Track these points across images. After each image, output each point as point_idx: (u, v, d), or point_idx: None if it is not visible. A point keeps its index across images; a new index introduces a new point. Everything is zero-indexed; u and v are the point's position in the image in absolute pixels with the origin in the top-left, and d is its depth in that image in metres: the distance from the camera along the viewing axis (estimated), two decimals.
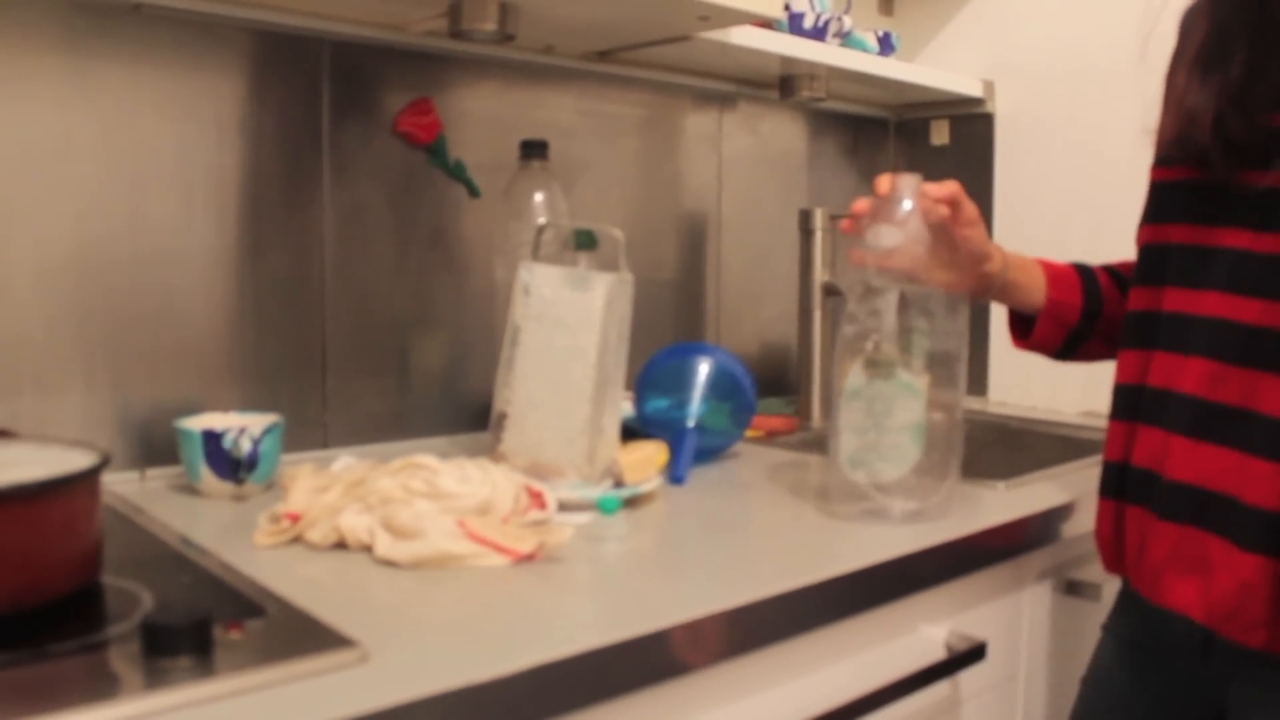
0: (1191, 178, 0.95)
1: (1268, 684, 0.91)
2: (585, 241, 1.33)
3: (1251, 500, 0.87)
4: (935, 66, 1.95)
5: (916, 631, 1.04)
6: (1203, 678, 0.96)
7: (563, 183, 1.55)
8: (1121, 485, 1.00)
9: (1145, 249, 1.01)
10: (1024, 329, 1.20)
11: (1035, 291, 1.16)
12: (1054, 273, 1.17)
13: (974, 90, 1.95)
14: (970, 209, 1.08)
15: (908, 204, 1.07)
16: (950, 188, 1.07)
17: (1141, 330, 0.99)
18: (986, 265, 1.11)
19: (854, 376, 1.07)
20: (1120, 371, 1.01)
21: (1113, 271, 1.18)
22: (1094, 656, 1.09)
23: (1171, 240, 0.97)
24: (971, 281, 1.12)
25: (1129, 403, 0.99)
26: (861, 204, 1.07)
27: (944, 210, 1.06)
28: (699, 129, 1.77)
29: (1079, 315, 1.15)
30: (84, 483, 0.78)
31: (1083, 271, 1.18)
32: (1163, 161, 0.99)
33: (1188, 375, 0.92)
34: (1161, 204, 0.99)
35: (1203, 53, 0.94)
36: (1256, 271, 0.88)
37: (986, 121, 1.98)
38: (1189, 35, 0.98)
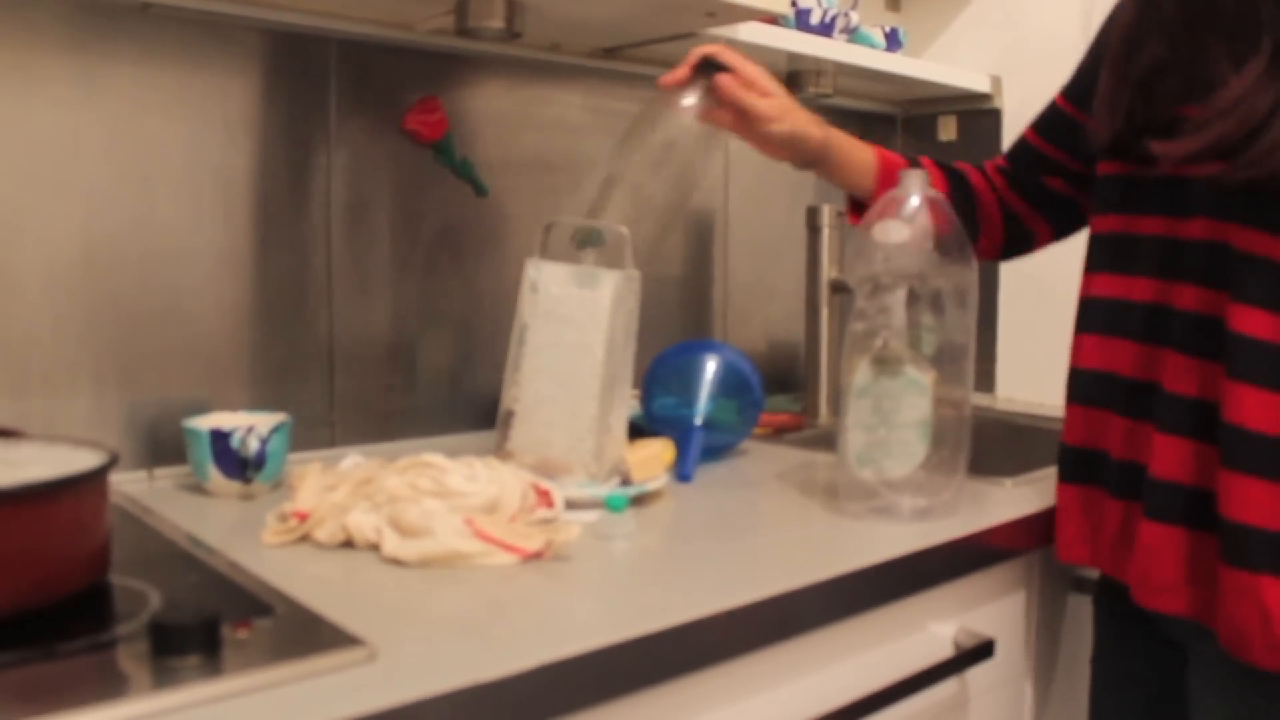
0: (1121, 171, 1.01)
1: (1204, 656, 0.95)
2: (591, 239, 1.33)
3: (1156, 473, 0.94)
4: (942, 62, 1.94)
5: (924, 629, 1.04)
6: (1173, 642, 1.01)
7: (569, 180, 1.55)
8: (1074, 469, 1.07)
9: (1105, 238, 1.05)
10: (857, 210, 1.27)
11: (858, 177, 1.22)
12: (886, 166, 1.22)
13: (981, 86, 1.95)
14: (765, 108, 1.15)
15: (915, 200, 1.07)
16: (734, 83, 1.16)
17: (1112, 318, 1.02)
18: (799, 148, 1.19)
19: (861, 374, 1.07)
20: (1071, 356, 1.07)
21: (952, 172, 1.26)
22: (1094, 632, 1.11)
23: (1142, 231, 1.01)
24: (785, 152, 1.19)
25: (1073, 387, 1.07)
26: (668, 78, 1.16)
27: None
28: (706, 126, 1.76)
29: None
30: (92, 482, 0.78)
31: (911, 164, 1.23)
32: (1098, 155, 1.05)
33: (1164, 369, 0.96)
34: (1124, 196, 1.02)
35: (1120, 49, 1.00)
36: (1176, 256, 0.95)
37: (994, 117, 1.98)
38: (1117, 15, 1.05)
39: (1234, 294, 0.89)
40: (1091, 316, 1.04)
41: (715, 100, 1.16)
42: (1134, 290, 0.99)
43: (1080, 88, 1.14)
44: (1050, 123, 1.21)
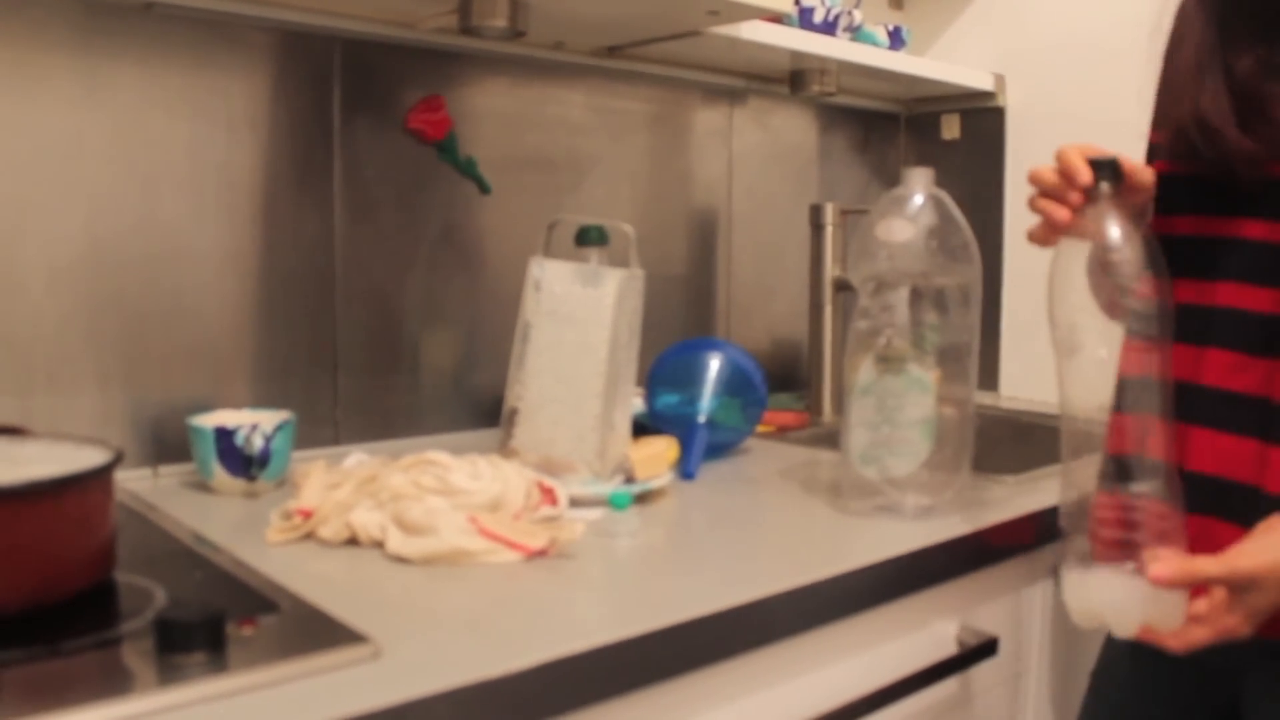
0: (1199, 172, 0.94)
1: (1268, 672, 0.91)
2: (595, 237, 1.33)
3: (1273, 489, 0.87)
4: (946, 60, 1.94)
5: (928, 626, 1.04)
6: (1215, 669, 0.95)
7: (572, 179, 1.55)
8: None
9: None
10: None
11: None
12: None
13: (985, 84, 1.95)
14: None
15: (919, 198, 1.07)
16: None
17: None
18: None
19: (865, 372, 1.07)
20: (1126, 364, 1.01)
21: None
22: (1103, 650, 1.09)
23: (1177, 232, 0.96)
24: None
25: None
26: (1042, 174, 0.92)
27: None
28: (709, 124, 1.77)
29: None
30: (97, 480, 0.78)
31: None
32: (1170, 157, 0.98)
33: (1207, 366, 0.92)
34: (1167, 197, 0.97)
35: (1203, 50, 0.93)
36: (1272, 261, 0.89)
37: (997, 115, 1.98)
38: (1187, 32, 0.96)
39: None
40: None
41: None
42: (1218, 296, 0.93)
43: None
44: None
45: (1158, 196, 0.99)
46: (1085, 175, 0.87)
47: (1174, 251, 0.96)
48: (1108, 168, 0.87)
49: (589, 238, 1.33)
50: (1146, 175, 0.97)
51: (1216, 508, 0.90)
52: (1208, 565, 0.81)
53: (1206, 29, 0.93)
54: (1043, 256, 1.35)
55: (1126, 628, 0.83)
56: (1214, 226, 0.94)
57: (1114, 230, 0.86)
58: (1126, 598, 0.82)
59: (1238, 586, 0.81)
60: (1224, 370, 0.91)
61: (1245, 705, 0.94)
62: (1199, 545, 0.90)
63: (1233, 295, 0.91)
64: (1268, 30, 0.90)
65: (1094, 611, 0.85)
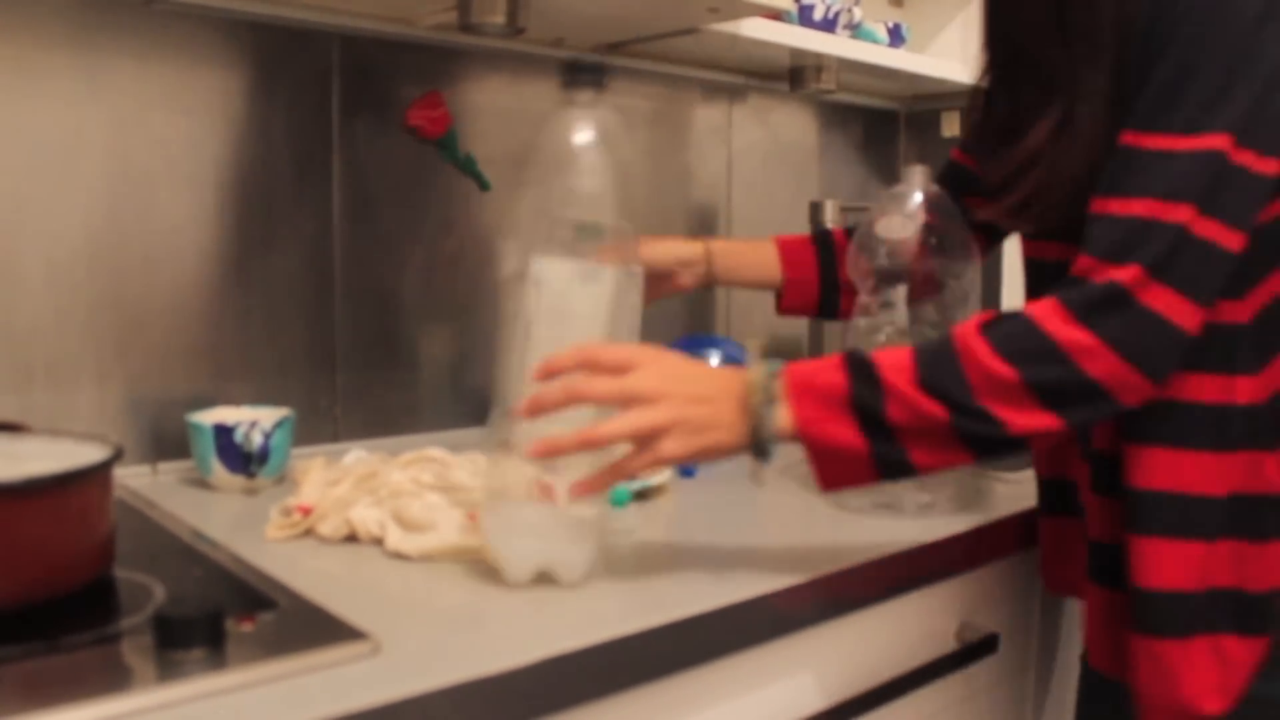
0: None
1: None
2: (590, 233, 1.33)
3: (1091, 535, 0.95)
4: (945, 58, 1.94)
5: (928, 624, 1.04)
6: None
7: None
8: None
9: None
10: (782, 301, 1.28)
11: (763, 271, 1.23)
12: (788, 252, 1.24)
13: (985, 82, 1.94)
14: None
15: (919, 196, 1.07)
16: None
17: None
18: (679, 280, 1.20)
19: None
20: None
21: (849, 231, 1.24)
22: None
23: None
24: (665, 289, 1.20)
25: None
26: None
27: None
28: (709, 121, 1.77)
29: (818, 289, 1.25)
30: (96, 476, 0.78)
31: (819, 243, 1.25)
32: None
33: None
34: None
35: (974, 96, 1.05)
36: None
37: None
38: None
39: None
40: None
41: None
42: None
43: None
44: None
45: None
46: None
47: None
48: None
49: (583, 233, 1.31)
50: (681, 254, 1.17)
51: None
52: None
53: (984, 71, 1.03)
54: None
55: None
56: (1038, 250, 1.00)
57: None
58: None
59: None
60: None
61: None
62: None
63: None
64: (1004, 72, 0.99)
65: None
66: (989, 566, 1.08)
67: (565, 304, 1.17)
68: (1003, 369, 0.79)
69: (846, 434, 0.81)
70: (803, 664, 0.91)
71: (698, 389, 0.82)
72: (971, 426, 0.79)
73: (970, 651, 1.04)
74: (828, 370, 0.82)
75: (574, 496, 0.81)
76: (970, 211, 1.09)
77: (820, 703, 0.91)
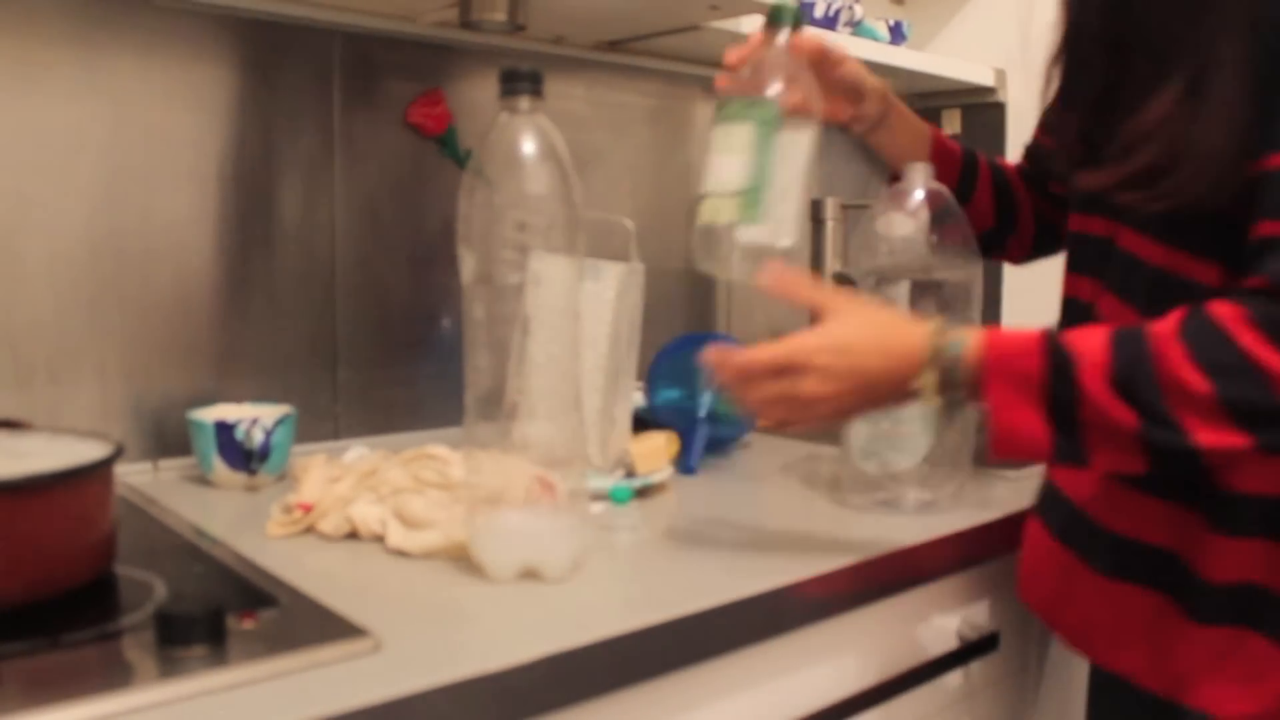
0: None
1: None
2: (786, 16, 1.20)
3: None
4: (946, 55, 1.94)
5: (928, 621, 1.04)
6: None
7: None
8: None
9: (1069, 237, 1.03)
10: None
11: (912, 149, 1.17)
12: (940, 145, 1.18)
13: (985, 79, 1.94)
14: (837, 51, 1.08)
15: (920, 193, 1.07)
16: (812, 42, 1.04)
17: (1074, 318, 1.00)
18: (862, 104, 1.14)
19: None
20: None
21: (994, 166, 1.21)
22: None
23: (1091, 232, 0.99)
24: (848, 112, 1.15)
25: None
26: (732, 54, 1.00)
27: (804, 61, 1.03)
28: (710, 118, 1.76)
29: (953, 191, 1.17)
30: (97, 473, 0.78)
31: (966, 157, 1.19)
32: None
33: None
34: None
35: (1056, 68, 0.99)
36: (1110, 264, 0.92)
37: (998, 110, 1.97)
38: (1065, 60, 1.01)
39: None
40: (1062, 317, 1.02)
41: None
42: (1080, 291, 0.98)
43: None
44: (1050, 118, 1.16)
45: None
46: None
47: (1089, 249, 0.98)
48: (789, 13, 0.97)
49: (780, 16, 1.22)
50: (869, 82, 1.10)
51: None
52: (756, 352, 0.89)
53: (1068, 36, 0.98)
54: None
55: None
56: (1085, 224, 0.97)
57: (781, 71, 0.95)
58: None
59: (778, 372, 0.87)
60: None
61: None
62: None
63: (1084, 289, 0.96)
64: (1104, 40, 0.93)
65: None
66: (990, 564, 1.08)
67: (565, 301, 1.17)
68: (1197, 380, 0.76)
69: (1033, 424, 0.80)
70: (803, 662, 0.92)
71: (871, 395, 0.85)
72: (1159, 436, 0.77)
73: (971, 649, 1.05)
74: (1025, 354, 0.81)
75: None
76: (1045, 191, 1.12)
77: (820, 700, 0.91)
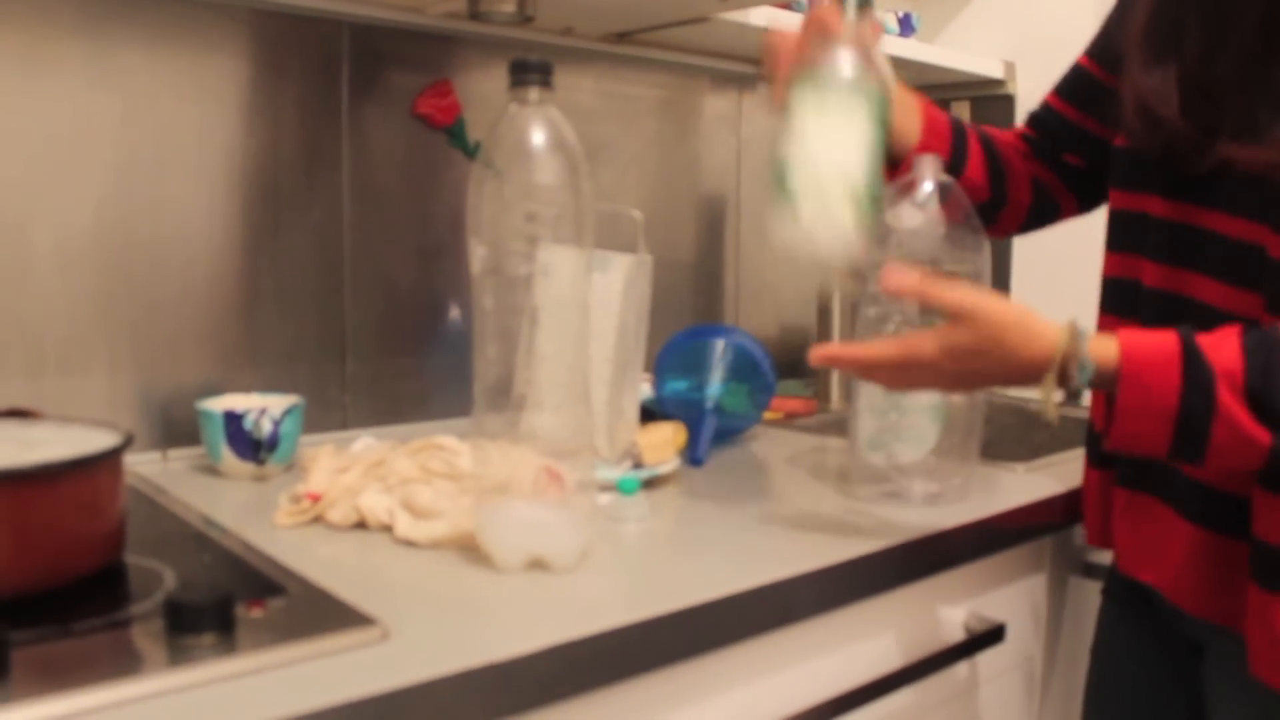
0: (1148, 149, 0.93)
1: (1227, 656, 0.91)
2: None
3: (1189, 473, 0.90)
4: (956, 47, 1.94)
5: (935, 613, 1.04)
6: (1189, 639, 0.98)
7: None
8: (1100, 454, 1.03)
9: (1118, 215, 1.00)
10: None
11: (902, 123, 1.12)
12: (930, 119, 1.13)
13: (995, 71, 1.94)
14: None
15: (929, 185, 1.06)
16: (879, 27, 1.00)
17: (1122, 299, 0.98)
18: None
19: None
20: None
21: (984, 137, 1.17)
22: (1097, 624, 1.10)
23: (1150, 212, 0.95)
24: None
25: None
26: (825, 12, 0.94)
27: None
28: (718, 110, 1.77)
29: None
30: (107, 463, 0.79)
31: (956, 128, 1.15)
32: (1129, 138, 0.97)
33: None
34: (1135, 174, 0.96)
35: (1151, 30, 0.91)
36: (1239, 258, 0.87)
37: (1007, 102, 1.97)
38: (1130, 6, 0.96)
39: (1260, 292, 0.84)
40: (1106, 297, 1.01)
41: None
42: (1144, 273, 0.95)
43: (1108, 49, 1.05)
44: (1074, 86, 1.13)
45: (1122, 170, 0.98)
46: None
47: (1145, 229, 0.95)
48: None
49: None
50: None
51: (1206, 517, 0.90)
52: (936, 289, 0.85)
53: (1153, 9, 0.92)
54: (1053, 240, 1.35)
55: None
56: (1187, 214, 0.91)
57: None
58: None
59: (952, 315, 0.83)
60: None
61: (1205, 680, 0.96)
62: (1194, 548, 0.92)
63: (1205, 290, 0.89)
64: (1217, 18, 0.87)
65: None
66: (996, 556, 1.08)
67: (573, 292, 1.17)
68: None
69: (1160, 437, 0.79)
70: (809, 653, 0.92)
71: (1006, 375, 0.84)
72: None
73: (977, 641, 1.04)
74: (1162, 366, 0.78)
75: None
76: (1089, 141, 1.09)
77: (827, 691, 0.91)
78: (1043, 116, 1.18)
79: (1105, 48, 1.07)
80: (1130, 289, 0.97)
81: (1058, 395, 0.83)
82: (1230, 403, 0.76)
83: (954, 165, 1.13)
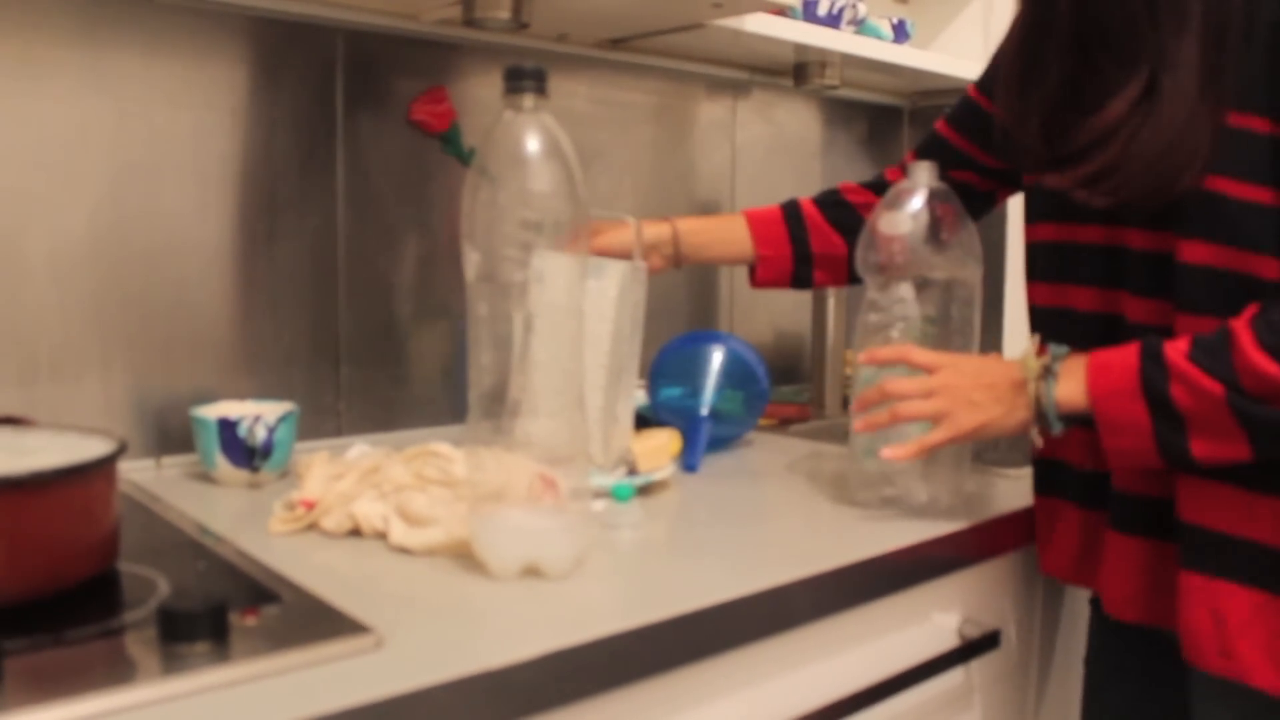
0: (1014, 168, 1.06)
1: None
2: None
3: (1118, 485, 0.96)
4: (950, 54, 1.94)
5: (930, 619, 1.04)
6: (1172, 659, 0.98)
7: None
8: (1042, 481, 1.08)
9: (1041, 247, 1.04)
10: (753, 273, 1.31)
11: (734, 247, 1.28)
12: (759, 227, 1.27)
13: None
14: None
15: (923, 192, 1.07)
16: None
17: (1053, 326, 1.01)
18: (649, 263, 1.21)
19: (867, 365, 1.07)
20: None
21: (822, 202, 1.27)
22: (1089, 634, 1.10)
23: (1079, 240, 1.00)
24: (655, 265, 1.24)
25: None
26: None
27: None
28: (713, 117, 1.77)
29: (791, 263, 1.28)
30: (100, 470, 0.79)
31: (789, 216, 1.27)
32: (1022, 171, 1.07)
33: None
34: (1061, 203, 0.99)
35: (1024, 57, 1.00)
36: (1155, 270, 0.93)
37: None
38: (1021, 27, 1.03)
39: (1178, 305, 0.90)
40: (1038, 325, 1.04)
41: None
42: (1076, 299, 0.99)
43: (992, 80, 1.10)
44: (963, 115, 1.19)
45: (1045, 203, 1.03)
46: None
47: (1080, 257, 1.00)
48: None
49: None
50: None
51: (1135, 524, 0.95)
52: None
53: (1031, 32, 0.99)
54: None
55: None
56: (1115, 236, 0.97)
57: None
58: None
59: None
60: None
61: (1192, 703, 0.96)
62: (1124, 556, 0.97)
63: (1134, 308, 0.95)
64: (1081, 49, 0.94)
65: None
66: (991, 562, 1.09)
67: (568, 299, 1.17)
68: (1267, 364, 0.82)
69: (1135, 411, 0.87)
70: (804, 659, 0.92)
71: (983, 378, 0.95)
72: (1246, 405, 0.83)
73: (972, 647, 1.05)
74: (1122, 351, 0.89)
75: (888, 458, 0.98)
76: (975, 166, 1.18)
77: (822, 697, 0.91)
78: (929, 143, 1.22)
79: (990, 79, 1.13)
80: (1062, 315, 1.01)
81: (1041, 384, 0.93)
82: (1177, 359, 0.85)
83: (799, 252, 1.27)
